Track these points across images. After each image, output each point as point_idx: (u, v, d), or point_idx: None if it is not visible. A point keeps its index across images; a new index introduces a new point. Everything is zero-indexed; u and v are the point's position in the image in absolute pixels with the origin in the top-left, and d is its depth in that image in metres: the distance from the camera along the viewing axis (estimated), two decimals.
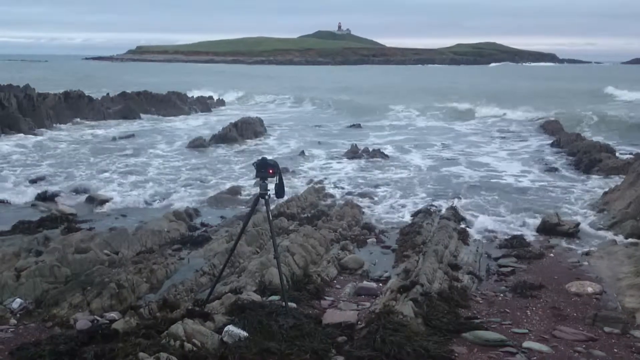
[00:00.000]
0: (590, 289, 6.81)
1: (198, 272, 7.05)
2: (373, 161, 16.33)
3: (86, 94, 27.05)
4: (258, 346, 4.50)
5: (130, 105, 28.00)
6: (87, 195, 11.83)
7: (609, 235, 9.26)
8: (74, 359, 4.50)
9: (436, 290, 6.32)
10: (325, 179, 13.77)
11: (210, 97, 37.04)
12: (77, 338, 4.93)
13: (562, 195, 12.42)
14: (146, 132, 22.82)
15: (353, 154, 17.11)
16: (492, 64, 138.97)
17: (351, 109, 32.19)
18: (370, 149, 17.45)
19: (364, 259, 8.11)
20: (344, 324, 5.43)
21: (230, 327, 4.72)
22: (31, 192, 12.04)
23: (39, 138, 20.02)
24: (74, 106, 25.32)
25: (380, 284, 7.00)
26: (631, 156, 16.13)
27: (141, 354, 4.19)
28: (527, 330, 5.60)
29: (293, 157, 17.15)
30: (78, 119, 24.76)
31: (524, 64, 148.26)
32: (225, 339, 4.62)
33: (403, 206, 11.36)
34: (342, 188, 12.95)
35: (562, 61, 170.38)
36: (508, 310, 6.18)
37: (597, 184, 13.35)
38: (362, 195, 12.20)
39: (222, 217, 10.54)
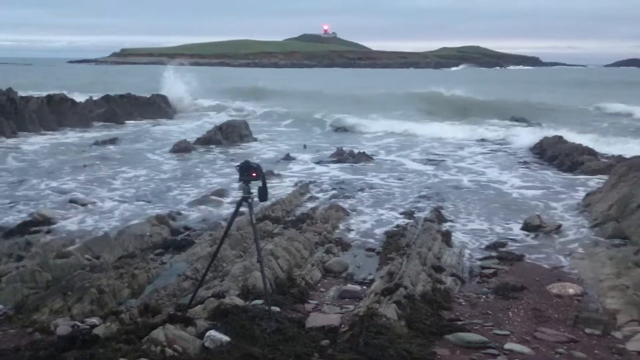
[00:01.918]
0: (571, 291, 6.87)
1: (180, 277, 7.00)
2: (358, 164, 16.37)
3: (69, 98, 26.82)
4: (240, 351, 4.48)
5: (114, 108, 27.79)
6: (69, 199, 11.73)
7: (591, 236, 9.36)
8: None
9: (419, 293, 6.35)
10: (311, 182, 13.77)
11: (196, 99, 36.85)
12: (58, 344, 4.91)
13: (544, 196, 12.52)
14: (129, 135, 22.67)
15: (338, 156, 17.13)
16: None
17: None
18: (356, 152, 17.49)
19: (349, 261, 8.11)
20: (328, 327, 5.43)
21: (212, 332, 4.70)
22: (11, 195, 11.89)
23: (21, 141, 19.81)
24: (57, 110, 25.05)
25: (364, 287, 7.01)
26: (614, 157, 16.37)
27: None
28: (508, 332, 5.64)
29: (278, 160, 17.13)
30: (61, 122, 24.54)
31: (499, 67, 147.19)
32: (207, 344, 4.60)
33: (387, 209, 11.39)
34: (327, 191, 12.96)
35: (545, 64, 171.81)
36: (490, 312, 6.22)
37: (579, 186, 13.48)
38: (347, 197, 12.22)
39: (205, 220, 10.50)
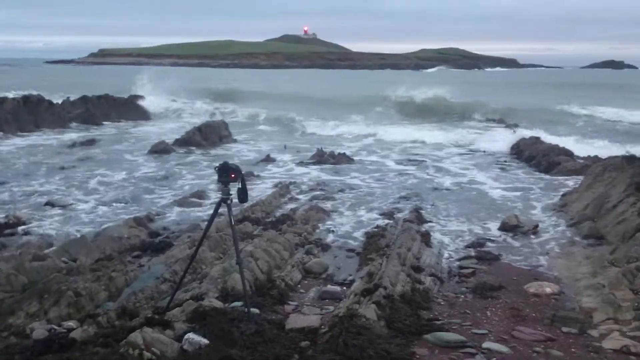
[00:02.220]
0: (548, 290, 6.95)
1: (159, 279, 6.94)
2: (339, 165, 16.39)
3: (46, 98, 26.45)
4: (219, 354, 4.46)
5: (92, 109, 27.48)
6: (45, 201, 11.58)
7: (567, 236, 9.49)
8: None
9: (399, 293, 6.37)
10: (291, 183, 13.76)
11: (174, 100, 36.59)
12: (34, 348, 4.83)
13: (521, 197, 12.67)
14: (107, 136, 22.45)
15: (319, 157, 17.14)
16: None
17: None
18: (336, 153, 17.52)
19: (329, 262, 8.12)
20: (308, 328, 5.43)
21: (191, 335, 4.67)
22: None
23: None
24: (33, 110, 24.70)
25: (344, 288, 7.02)
26: (589, 157, 16.62)
27: None
28: (486, 331, 5.69)
29: (258, 161, 17.09)
30: (38, 124, 24.21)
31: (478, 69, 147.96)
32: (185, 347, 4.57)
33: (368, 210, 11.42)
34: (308, 192, 12.96)
35: (522, 66, 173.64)
36: (468, 312, 6.27)
37: (555, 186, 13.65)
38: (328, 199, 12.22)
39: (183, 222, 10.43)
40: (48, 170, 15.08)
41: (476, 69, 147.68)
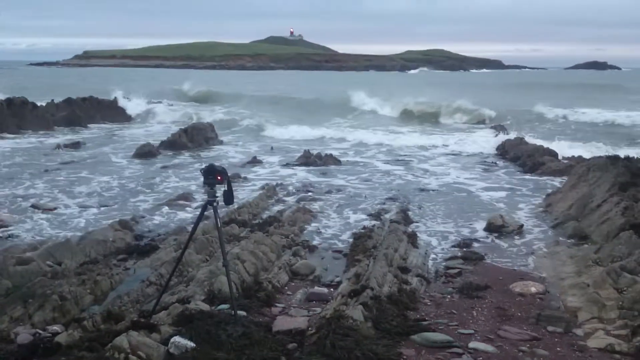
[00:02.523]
0: (534, 289, 7.00)
1: (144, 283, 6.90)
2: (325, 166, 16.40)
3: (30, 101, 26.19)
4: (205, 357, 4.43)
5: (76, 111, 27.25)
6: (30, 204, 11.46)
7: (552, 236, 9.57)
8: None
9: (386, 294, 6.39)
10: (278, 184, 13.74)
11: (160, 102, 36.45)
12: (18, 353, 4.80)
13: (506, 197, 12.76)
14: (92, 139, 22.27)
15: (306, 159, 17.12)
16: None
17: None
18: (323, 155, 17.52)
19: (316, 264, 8.12)
20: (295, 330, 5.42)
21: (177, 338, 4.64)
22: None
23: None
24: (17, 113, 24.45)
25: (332, 289, 7.03)
26: (573, 157, 16.78)
27: None
28: (472, 331, 5.72)
29: (245, 163, 17.05)
30: (22, 126, 23.96)
31: (463, 70, 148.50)
32: (171, 350, 4.54)
33: (354, 211, 11.44)
34: (294, 194, 12.95)
35: (507, 67, 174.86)
36: (455, 312, 6.30)
37: (540, 187, 13.77)
38: (315, 200, 12.22)
39: (170, 225, 10.37)
40: (32, 173, 14.93)
41: (462, 70, 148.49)
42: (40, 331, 5.52)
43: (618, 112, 32.76)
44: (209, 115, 30.50)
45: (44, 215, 10.84)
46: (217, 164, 5.42)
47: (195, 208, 11.35)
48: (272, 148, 20.19)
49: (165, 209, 11.43)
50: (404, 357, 4.99)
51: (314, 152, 17.75)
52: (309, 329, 5.46)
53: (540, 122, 29.21)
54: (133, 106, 31.74)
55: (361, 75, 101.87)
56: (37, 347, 4.83)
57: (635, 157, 11.46)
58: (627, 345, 5.37)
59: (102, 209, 11.52)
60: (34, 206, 11.33)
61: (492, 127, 26.11)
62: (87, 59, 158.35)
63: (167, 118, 30.27)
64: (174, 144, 19.46)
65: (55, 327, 5.61)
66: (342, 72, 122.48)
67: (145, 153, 18.13)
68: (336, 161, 17.14)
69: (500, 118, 29.04)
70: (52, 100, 28.62)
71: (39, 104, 26.50)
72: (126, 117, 29.53)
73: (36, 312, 5.98)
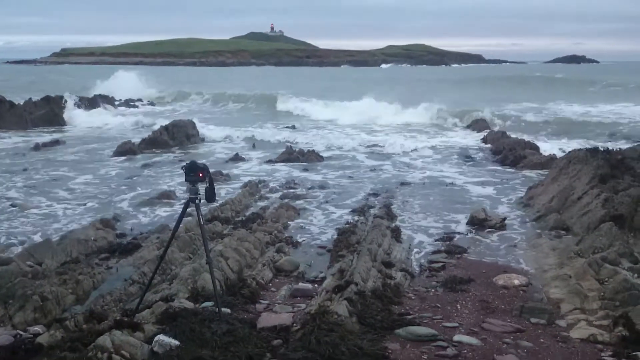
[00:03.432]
0: (517, 282, 7.06)
1: (127, 281, 6.83)
2: (308, 162, 16.37)
3: (7, 99, 25.78)
4: (190, 355, 4.40)
5: (55, 109, 26.89)
6: (9, 203, 11.29)
7: (534, 228, 9.65)
8: None
9: (370, 289, 6.39)
10: (260, 181, 13.68)
11: (140, 100, 36.15)
12: None
13: (488, 191, 12.85)
14: (71, 138, 22.01)
15: (288, 155, 17.08)
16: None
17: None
18: (306, 151, 17.49)
19: (300, 260, 8.10)
20: (279, 326, 5.40)
21: (161, 337, 4.59)
22: None
23: None
24: None
25: (316, 285, 7.01)
26: (554, 153, 16.93)
27: None
28: (457, 324, 5.75)
29: (227, 160, 16.96)
30: None
31: (445, 65, 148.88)
32: (155, 349, 4.50)
33: (338, 206, 11.43)
34: (277, 190, 12.91)
35: (487, 62, 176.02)
36: (439, 305, 6.33)
37: (522, 180, 13.88)
38: (298, 196, 12.19)
39: (152, 223, 10.28)
40: (11, 173, 14.70)
41: (443, 65, 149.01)
42: (22, 332, 5.43)
43: (594, 105, 33.10)
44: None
45: (23, 215, 10.68)
46: (199, 161, 5.37)
47: (178, 206, 11.27)
48: (254, 145, 20.12)
49: (147, 207, 11.33)
50: (389, 351, 5.00)
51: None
52: (294, 325, 5.44)
53: (521, 115, 29.37)
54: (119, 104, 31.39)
55: (337, 71, 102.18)
56: (18, 348, 4.75)
57: (614, 149, 11.61)
58: (609, 335, 5.44)
59: (83, 207, 11.38)
60: (13, 206, 11.16)
61: (475, 120, 26.02)
62: (65, 56, 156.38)
63: (153, 117, 29.47)
64: (154, 142, 19.29)
65: (37, 328, 5.52)
66: (323, 68, 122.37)
67: (125, 151, 17.97)
68: (319, 157, 17.12)
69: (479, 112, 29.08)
70: (30, 98, 28.19)
71: (16, 102, 26.10)
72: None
73: (17, 313, 5.89)
